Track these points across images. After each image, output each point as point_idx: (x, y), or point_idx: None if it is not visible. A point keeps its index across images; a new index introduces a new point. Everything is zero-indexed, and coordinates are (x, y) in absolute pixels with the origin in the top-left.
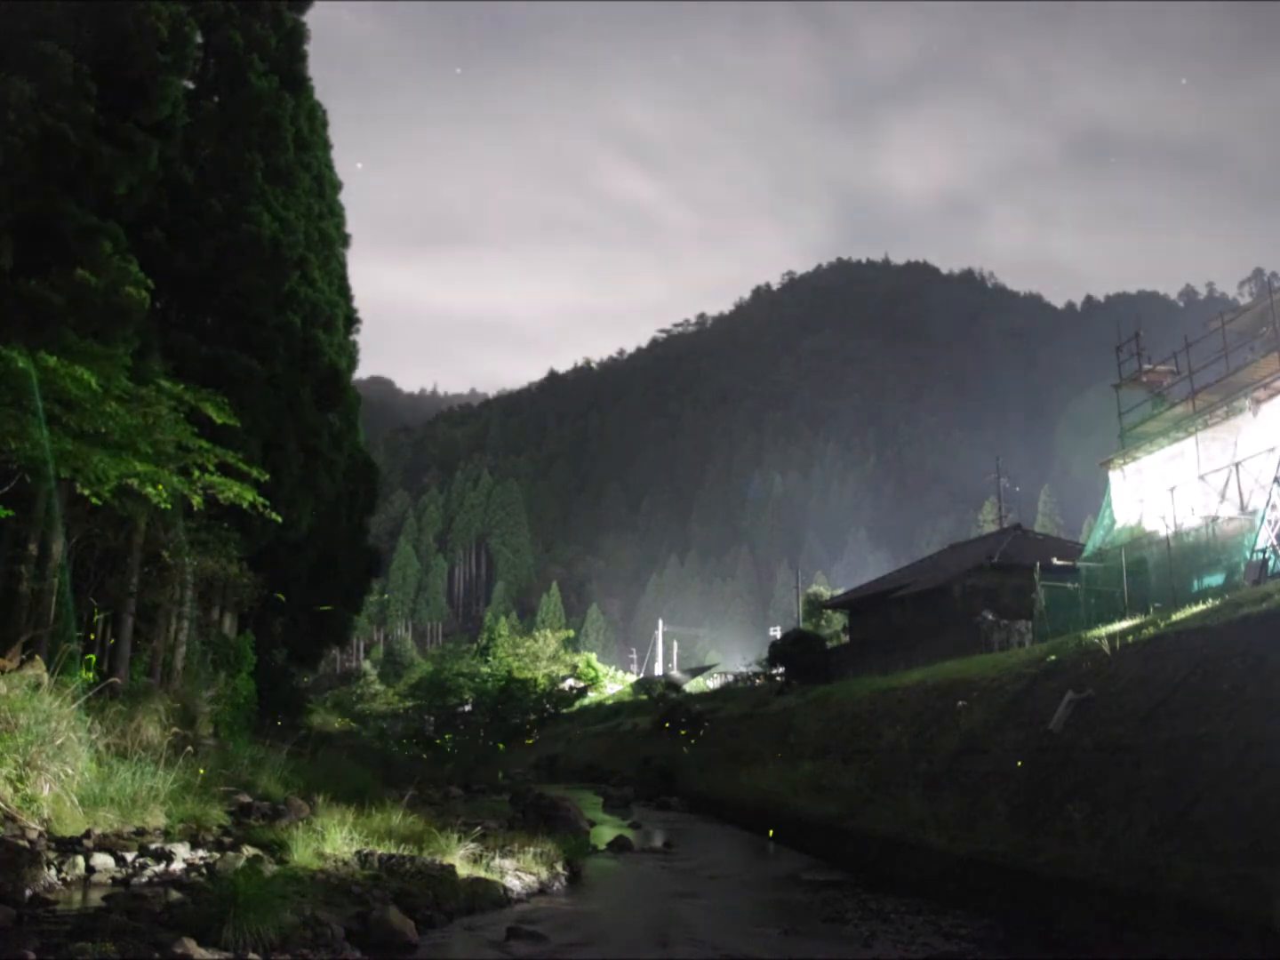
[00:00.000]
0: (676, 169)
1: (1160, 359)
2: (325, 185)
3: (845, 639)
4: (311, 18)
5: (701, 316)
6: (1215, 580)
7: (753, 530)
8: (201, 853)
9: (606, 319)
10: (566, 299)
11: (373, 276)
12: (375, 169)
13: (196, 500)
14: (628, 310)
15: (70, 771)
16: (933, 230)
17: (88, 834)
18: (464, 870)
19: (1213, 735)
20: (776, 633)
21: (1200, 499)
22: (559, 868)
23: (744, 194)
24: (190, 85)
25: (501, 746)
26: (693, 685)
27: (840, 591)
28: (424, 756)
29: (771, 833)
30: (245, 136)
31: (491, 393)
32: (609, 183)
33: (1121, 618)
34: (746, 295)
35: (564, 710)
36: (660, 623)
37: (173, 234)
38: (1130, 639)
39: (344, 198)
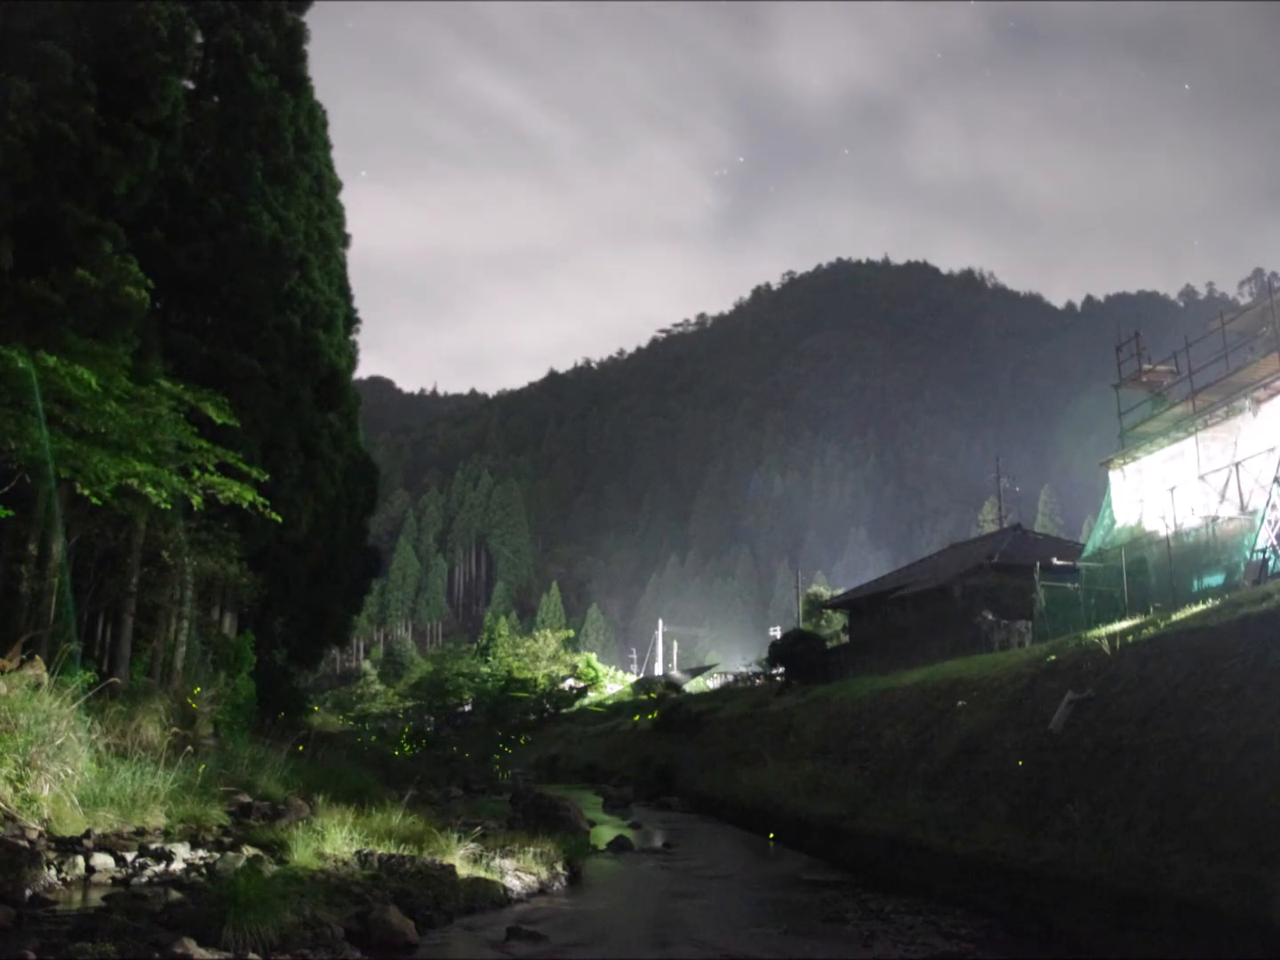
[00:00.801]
0: (542, 67)
1: (1160, 359)
2: (325, 185)
3: (845, 639)
4: (311, 18)
5: (701, 316)
6: (1215, 580)
7: (753, 530)
8: (201, 853)
9: (601, 321)
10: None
11: None
12: None
13: (196, 500)
14: (627, 309)
15: (70, 771)
16: (849, 139)
17: (88, 834)
18: (464, 870)
19: (1213, 735)
20: (776, 633)
21: (1200, 499)
22: (559, 868)
23: (627, 100)
24: (190, 85)
25: (502, 746)
26: (693, 685)
27: (840, 591)
28: (424, 756)
29: (771, 833)
30: (245, 136)
31: (491, 393)
32: (468, 86)
33: (1121, 618)
34: (746, 295)
35: (564, 710)
36: (660, 623)
37: (173, 234)
38: (1130, 639)
39: None
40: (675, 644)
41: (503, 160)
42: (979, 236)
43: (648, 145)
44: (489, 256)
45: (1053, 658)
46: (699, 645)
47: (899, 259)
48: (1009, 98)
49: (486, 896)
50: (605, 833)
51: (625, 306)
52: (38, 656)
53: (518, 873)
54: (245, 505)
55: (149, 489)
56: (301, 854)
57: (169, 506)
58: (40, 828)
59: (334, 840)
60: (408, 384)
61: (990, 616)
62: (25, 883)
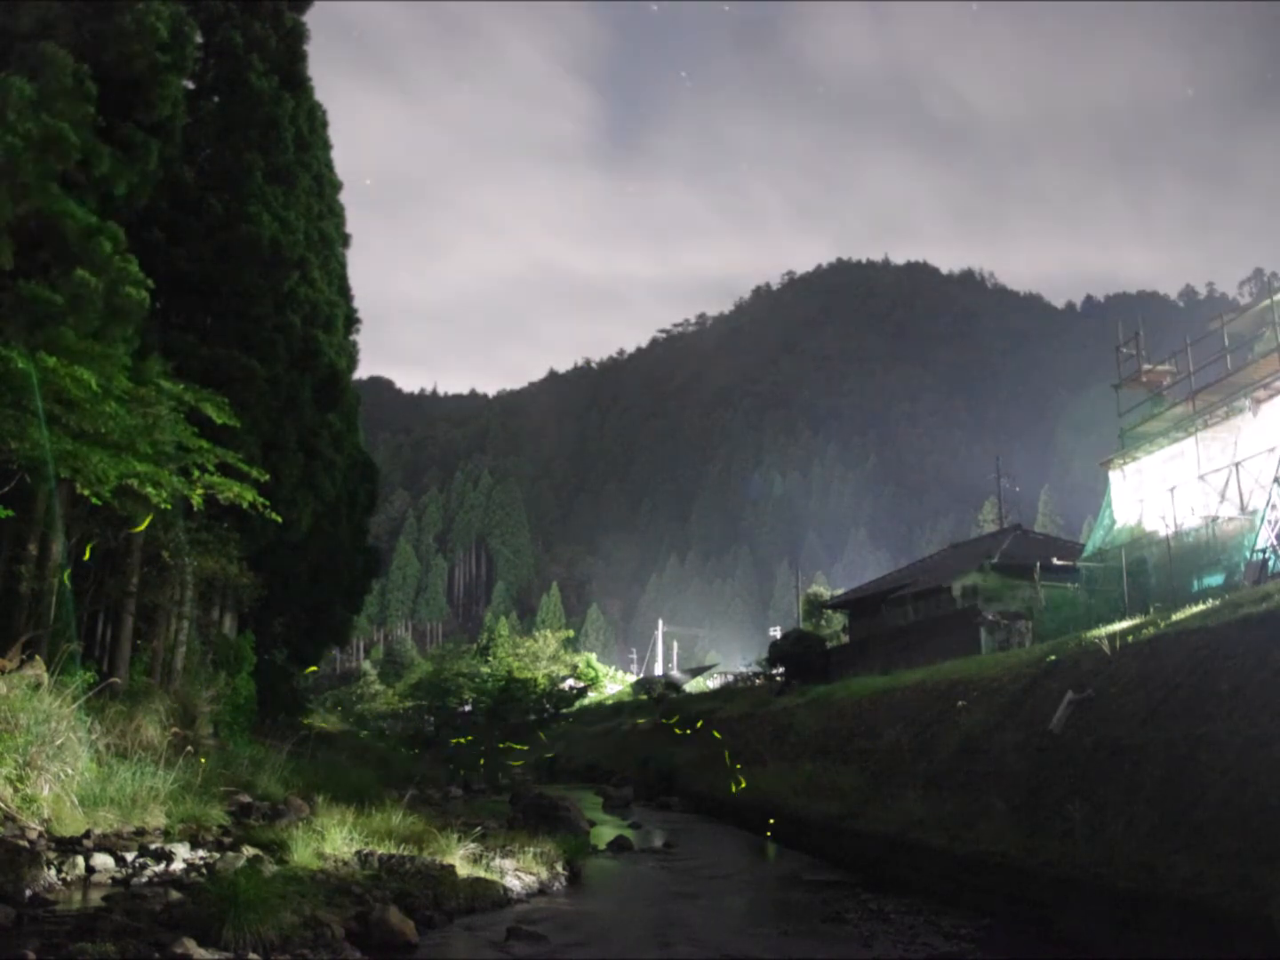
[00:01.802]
0: None
1: (1160, 359)
2: (325, 185)
3: (845, 639)
4: (311, 18)
5: (701, 316)
6: (1215, 580)
7: (753, 530)
8: (201, 853)
9: (607, 311)
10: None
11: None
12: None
13: (196, 500)
14: (628, 309)
15: (70, 771)
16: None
17: (88, 834)
18: (464, 870)
19: (1213, 735)
20: (776, 633)
21: (1200, 499)
22: (559, 868)
23: None
24: (190, 85)
25: (503, 745)
26: (693, 685)
27: (840, 591)
28: (424, 756)
29: (771, 833)
30: (245, 136)
31: (491, 393)
32: None
33: (1121, 618)
34: (746, 295)
35: (564, 710)
36: (660, 623)
37: (173, 234)
38: (1130, 639)
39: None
40: (675, 644)
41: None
42: (980, 236)
43: (505, 38)
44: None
45: (1053, 658)
46: (699, 645)
47: (899, 259)
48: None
49: (486, 896)
50: (605, 833)
51: (626, 306)
52: (38, 656)
53: (518, 873)
54: (245, 505)
55: (149, 489)
56: (301, 854)
57: (169, 507)
58: (40, 828)
59: (334, 840)
60: (408, 384)
61: (990, 616)
62: (25, 883)
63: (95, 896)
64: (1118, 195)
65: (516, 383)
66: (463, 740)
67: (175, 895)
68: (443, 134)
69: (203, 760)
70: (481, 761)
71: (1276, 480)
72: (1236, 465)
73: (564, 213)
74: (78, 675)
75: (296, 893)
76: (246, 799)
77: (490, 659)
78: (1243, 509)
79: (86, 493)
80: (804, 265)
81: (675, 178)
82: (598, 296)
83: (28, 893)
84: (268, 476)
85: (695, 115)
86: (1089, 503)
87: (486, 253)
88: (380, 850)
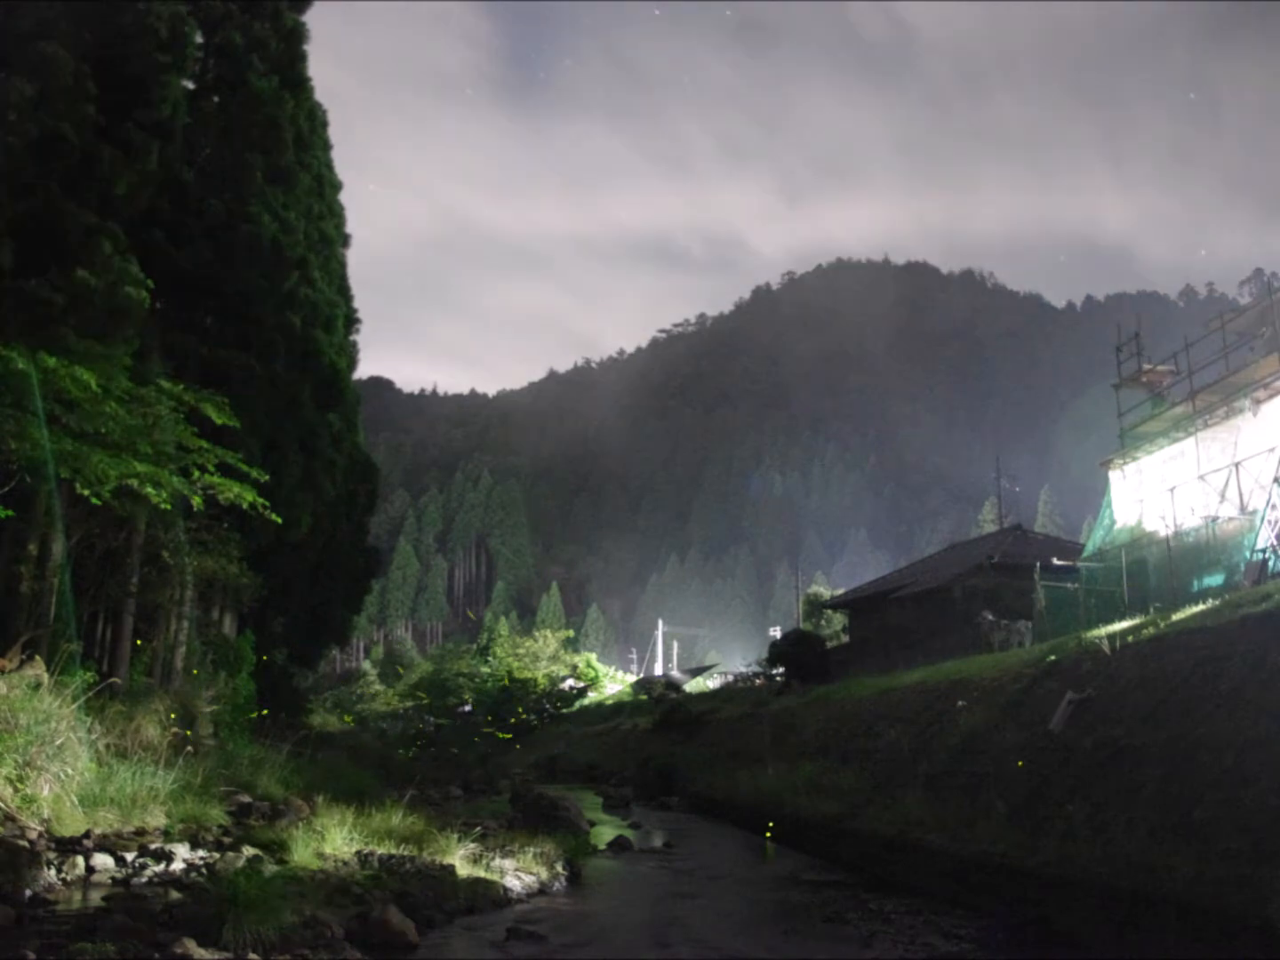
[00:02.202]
0: None
1: (1160, 359)
2: (325, 185)
3: (845, 639)
4: (311, 18)
5: (701, 316)
6: (1215, 580)
7: (753, 530)
8: (201, 853)
9: (605, 319)
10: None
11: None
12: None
13: (196, 501)
14: (628, 309)
15: (70, 771)
16: None
17: (88, 834)
18: (464, 870)
19: (1213, 735)
20: (776, 633)
21: (1200, 499)
22: (559, 868)
23: None
24: (190, 85)
25: (503, 745)
26: (693, 685)
27: (840, 591)
28: (424, 756)
29: (771, 833)
30: (245, 136)
31: (491, 393)
32: None
33: (1121, 618)
34: (746, 295)
35: (564, 710)
36: (660, 623)
37: (173, 234)
38: (1130, 639)
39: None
40: (675, 644)
41: None
42: (937, 183)
43: None
44: None
45: (1053, 658)
46: (699, 645)
47: (899, 259)
48: None
49: (486, 896)
50: (605, 833)
51: (626, 306)
52: (38, 656)
53: (518, 873)
54: (245, 506)
55: (149, 489)
56: (301, 854)
57: (169, 507)
58: (40, 828)
59: (334, 840)
60: (408, 384)
61: (990, 616)
62: (25, 883)
63: (95, 896)
64: (1089, 137)
65: (516, 383)
66: (463, 740)
67: (175, 895)
68: (319, 62)
69: (204, 760)
70: (481, 762)
71: (1276, 480)
72: (1236, 465)
73: (471, 159)
74: (78, 675)
75: (296, 893)
76: (246, 799)
77: (490, 659)
78: (1243, 509)
79: (86, 493)
80: (804, 265)
81: (590, 116)
82: (519, 257)
83: (28, 893)
84: (268, 477)
85: (600, 38)
86: (1089, 503)
87: (393, 208)
88: (380, 850)
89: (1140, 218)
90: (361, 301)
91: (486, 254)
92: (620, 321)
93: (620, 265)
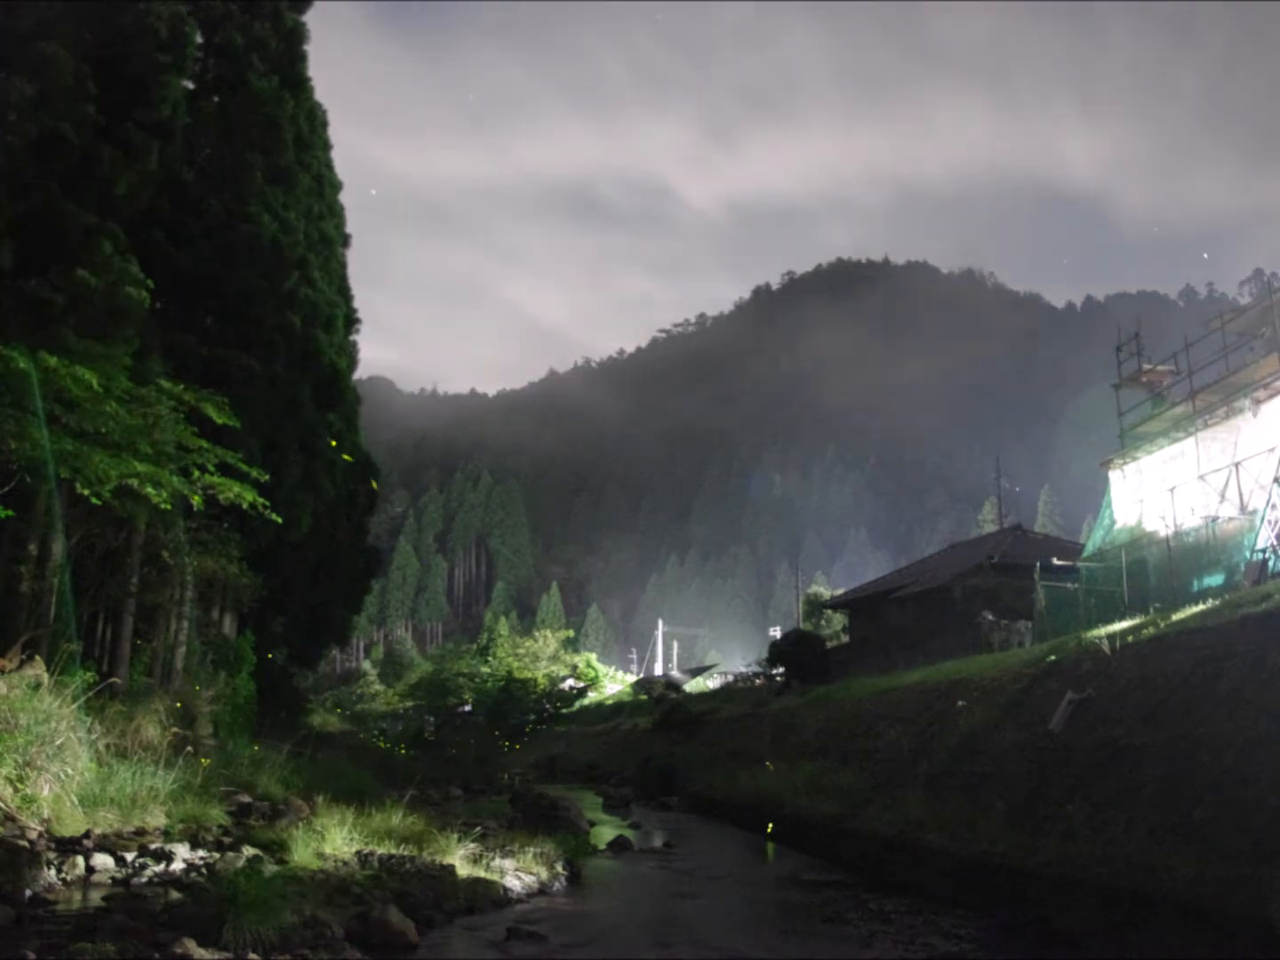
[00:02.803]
0: None
1: (1160, 359)
2: (325, 185)
3: (845, 639)
4: (311, 18)
5: (701, 317)
6: (1215, 580)
7: (753, 530)
8: (201, 853)
9: (606, 316)
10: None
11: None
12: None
13: (196, 500)
14: (627, 309)
15: (70, 771)
16: None
17: (88, 834)
18: (464, 870)
19: (1213, 735)
20: (776, 633)
21: (1200, 499)
22: (559, 868)
23: None
24: (190, 85)
25: (503, 745)
26: (693, 685)
27: (840, 591)
28: (424, 756)
29: (771, 833)
30: (245, 136)
31: (491, 393)
32: None
33: (1121, 618)
34: (746, 295)
35: (564, 710)
36: (660, 623)
37: (173, 234)
38: (1130, 639)
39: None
40: (675, 644)
41: None
42: (887, 109)
43: None
44: None
45: (1053, 658)
46: (699, 645)
47: (899, 259)
48: None
49: (486, 896)
50: (605, 833)
51: (626, 306)
52: (38, 656)
53: (518, 873)
54: (245, 506)
55: (149, 489)
56: (301, 854)
57: (169, 507)
58: (40, 828)
59: (334, 840)
60: (408, 384)
61: (990, 616)
62: (25, 883)
63: (95, 896)
64: (1054, 59)
65: (516, 383)
66: (463, 740)
67: (175, 895)
68: None
69: (203, 760)
70: (481, 761)
71: (1276, 480)
72: (1236, 465)
73: (353, 88)
74: (78, 675)
75: (296, 893)
76: (246, 799)
77: (490, 659)
78: (1243, 509)
79: (86, 493)
80: (804, 265)
81: (487, 37)
82: (430, 215)
83: (28, 893)
84: (268, 477)
85: None
86: (1089, 503)
87: None
88: (380, 850)
89: (1112, 160)
90: None
91: (394, 208)
92: (621, 322)
93: (541, 222)
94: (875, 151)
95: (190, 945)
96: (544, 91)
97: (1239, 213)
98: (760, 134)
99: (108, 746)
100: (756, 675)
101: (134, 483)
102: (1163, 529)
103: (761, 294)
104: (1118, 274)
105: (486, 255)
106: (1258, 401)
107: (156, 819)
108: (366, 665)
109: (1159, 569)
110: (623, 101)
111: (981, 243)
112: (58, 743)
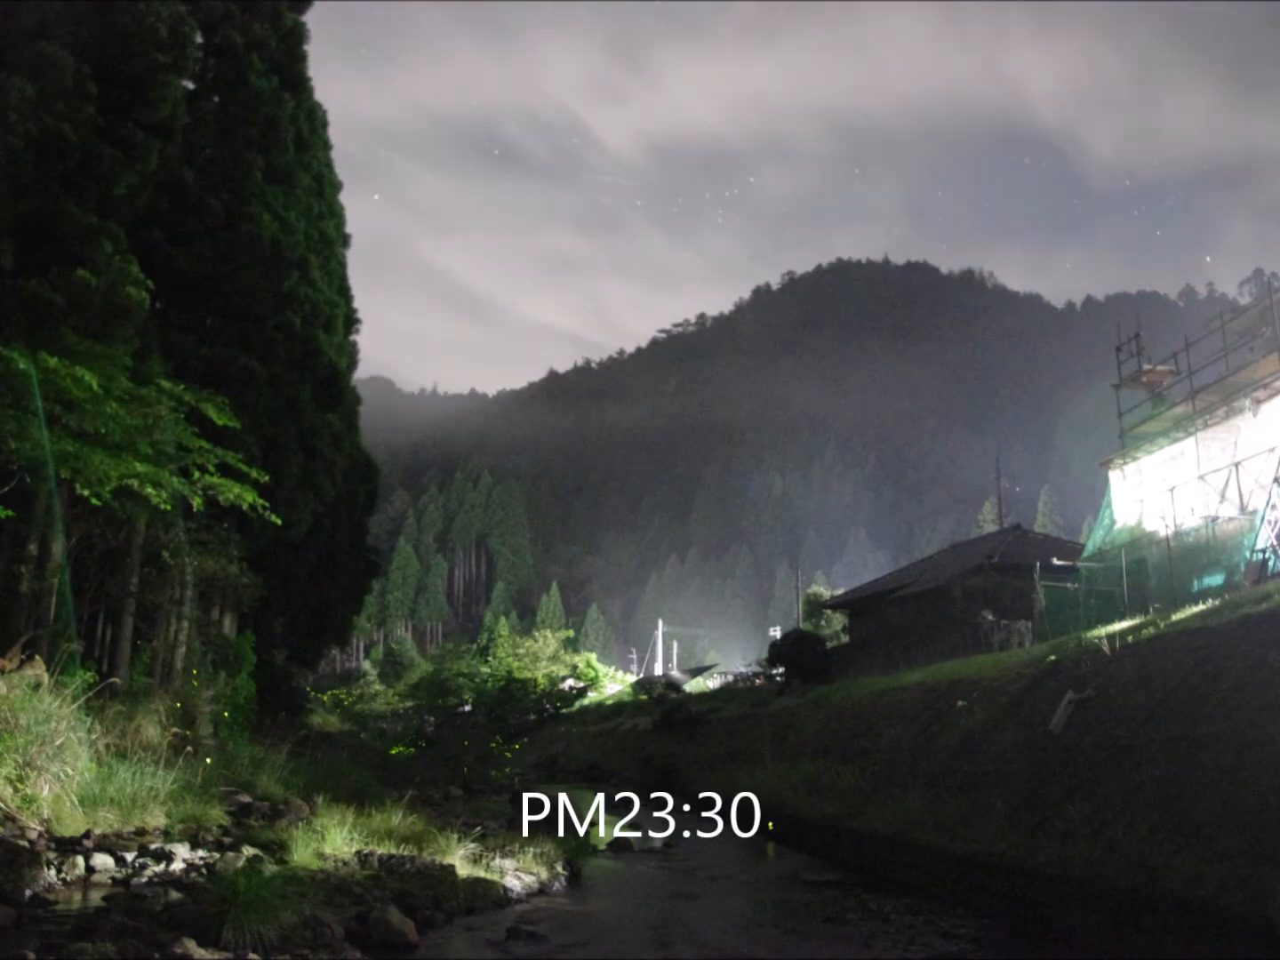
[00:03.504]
0: None
1: (1160, 359)
2: (325, 185)
3: (845, 639)
4: (311, 18)
5: (701, 316)
6: (1215, 580)
7: (752, 530)
8: (201, 853)
9: (604, 320)
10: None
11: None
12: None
13: (196, 501)
14: (627, 309)
15: (70, 771)
16: None
17: (88, 834)
18: (464, 870)
19: (1213, 735)
20: (776, 633)
21: (1200, 499)
22: (559, 868)
23: None
24: (190, 85)
25: (503, 745)
26: (693, 685)
27: (840, 591)
28: (424, 756)
29: (771, 833)
30: (245, 136)
31: (491, 393)
32: None
33: (1121, 618)
34: (746, 295)
35: (564, 710)
36: (660, 623)
37: (173, 234)
38: (1130, 639)
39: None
40: (675, 644)
41: None
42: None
43: None
44: None
45: (1053, 658)
46: (699, 645)
47: (899, 259)
48: None
49: (486, 896)
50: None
51: (626, 306)
52: (38, 656)
53: (518, 873)
54: (245, 506)
55: (149, 490)
56: (301, 854)
57: (169, 507)
58: (40, 828)
59: (334, 840)
60: (408, 384)
61: (990, 616)
62: (25, 883)
63: (95, 896)
64: None
65: (516, 382)
66: (463, 740)
67: (175, 895)
68: None
69: (204, 760)
70: (481, 761)
71: (1276, 480)
72: (1236, 465)
73: None
74: (78, 675)
75: (296, 893)
76: (246, 799)
77: (490, 659)
78: (1243, 509)
79: (86, 493)
80: (804, 265)
81: None
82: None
83: (28, 893)
84: (268, 477)
85: None
86: (1089, 503)
87: None
88: (380, 850)
89: (1076, 91)
90: None
91: None
92: (620, 320)
93: (450, 173)
94: (813, 83)
95: (190, 945)
96: (431, 12)
97: (1223, 160)
98: (669, 51)
99: (108, 746)
100: (756, 675)
101: (134, 483)
102: (1163, 529)
103: (761, 294)
104: (1118, 274)
105: (401, 212)
106: (1258, 401)
107: (156, 819)
108: (366, 665)
109: (1159, 569)
110: (518, 21)
111: (941, 210)
112: (58, 743)
